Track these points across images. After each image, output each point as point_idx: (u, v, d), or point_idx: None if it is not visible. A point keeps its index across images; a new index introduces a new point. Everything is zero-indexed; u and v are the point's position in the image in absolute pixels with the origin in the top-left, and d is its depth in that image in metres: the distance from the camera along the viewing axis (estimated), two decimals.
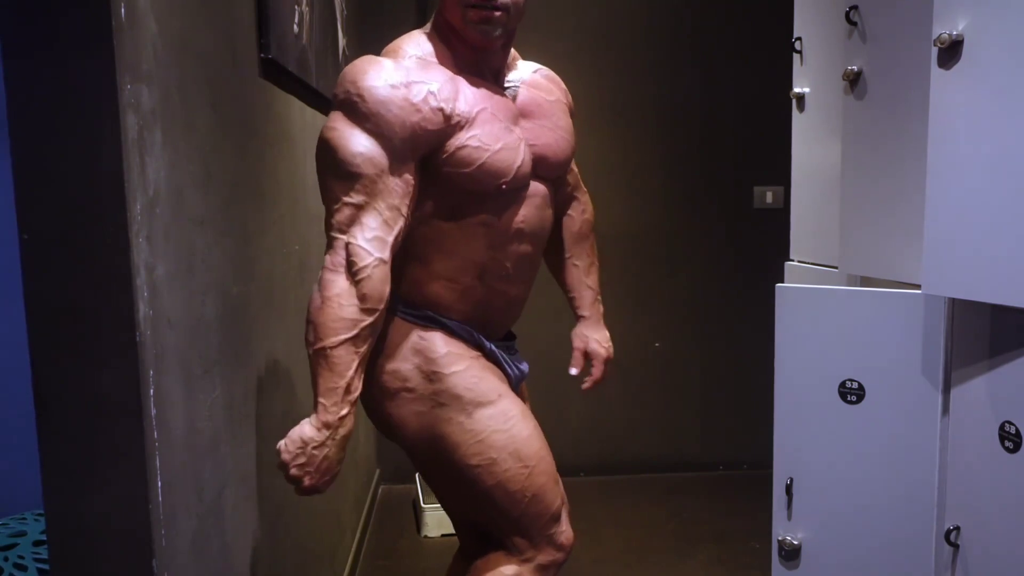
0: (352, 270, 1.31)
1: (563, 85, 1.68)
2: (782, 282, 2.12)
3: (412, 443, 1.52)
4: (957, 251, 1.44)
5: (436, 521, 3.00)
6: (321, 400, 1.30)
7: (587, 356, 1.83)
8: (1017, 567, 1.41)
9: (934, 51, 1.45)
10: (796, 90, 2.24)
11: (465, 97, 1.40)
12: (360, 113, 1.31)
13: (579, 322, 1.84)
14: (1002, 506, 1.45)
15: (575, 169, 1.79)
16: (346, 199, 1.31)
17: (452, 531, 2.92)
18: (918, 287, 1.58)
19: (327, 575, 2.20)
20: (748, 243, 3.58)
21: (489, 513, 1.51)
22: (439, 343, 1.49)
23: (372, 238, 1.32)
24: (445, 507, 1.71)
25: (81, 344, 0.95)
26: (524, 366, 1.67)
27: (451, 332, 1.51)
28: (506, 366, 1.59)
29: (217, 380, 1.26)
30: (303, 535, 1.89)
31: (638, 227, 3.53)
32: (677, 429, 3.64)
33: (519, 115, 1.51)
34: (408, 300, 1.50)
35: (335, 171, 1.32)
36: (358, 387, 1.33)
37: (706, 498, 3.37)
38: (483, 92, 1.44)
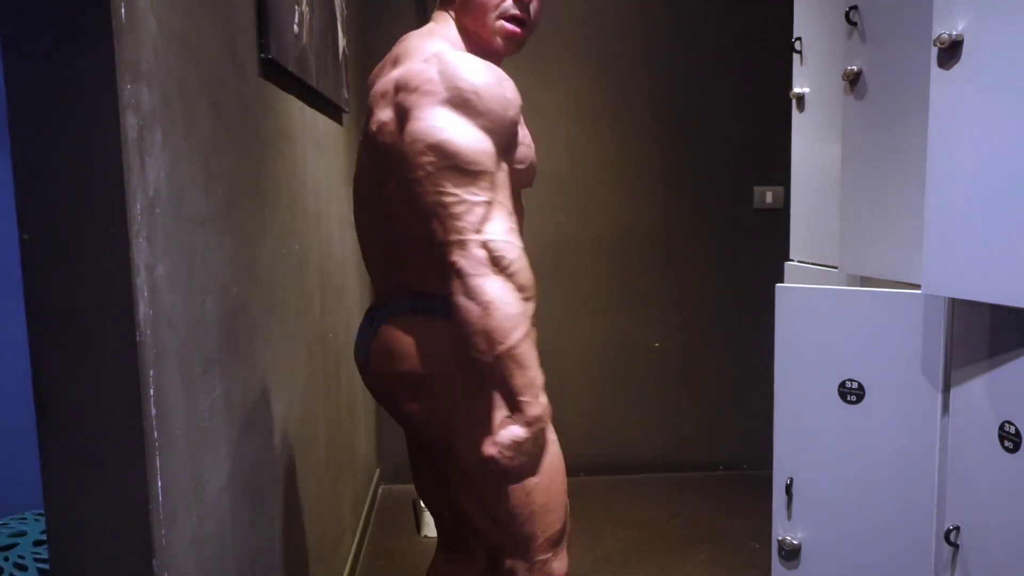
0: (502, 265, 1.27)
1: None
2: (782, 282, 2.12)
3: (432, 439, 1.48)
4: (957, 251, 1.44)
5: None
6: (522, 398, 1.29)
7: None
8: (1017, 567, 1.41)
9: (934, 51, 1.45)
10: (796, 90, 2.24)
11: None
12: (475, 110, 1.28)
13: None
14: (1002, 506, 1.45)
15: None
16: (472, 198, 1.27)
17: None
18: (918, 287, 1.58)
19: (327, 575, 2.20)
20: (748, 243, 3.59)
21: (483, 523, 1.47)
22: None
23: (509, 230, 1.29)
24: (431, 506, 1.71)
25: (81, 344, 0.94)
26: None
27: None
28: None
29: (217, 380, 1.26)
30: (303, 535, 1.89)
31: (638, 227, 3.53)
32: (677, 429, 3.64)
33: None
34: (426, 294, 1.43)
35: (458, 171, 1.27)
36: (542, 374, 1.32)
37: (706, 498, 3.37)
38: None
